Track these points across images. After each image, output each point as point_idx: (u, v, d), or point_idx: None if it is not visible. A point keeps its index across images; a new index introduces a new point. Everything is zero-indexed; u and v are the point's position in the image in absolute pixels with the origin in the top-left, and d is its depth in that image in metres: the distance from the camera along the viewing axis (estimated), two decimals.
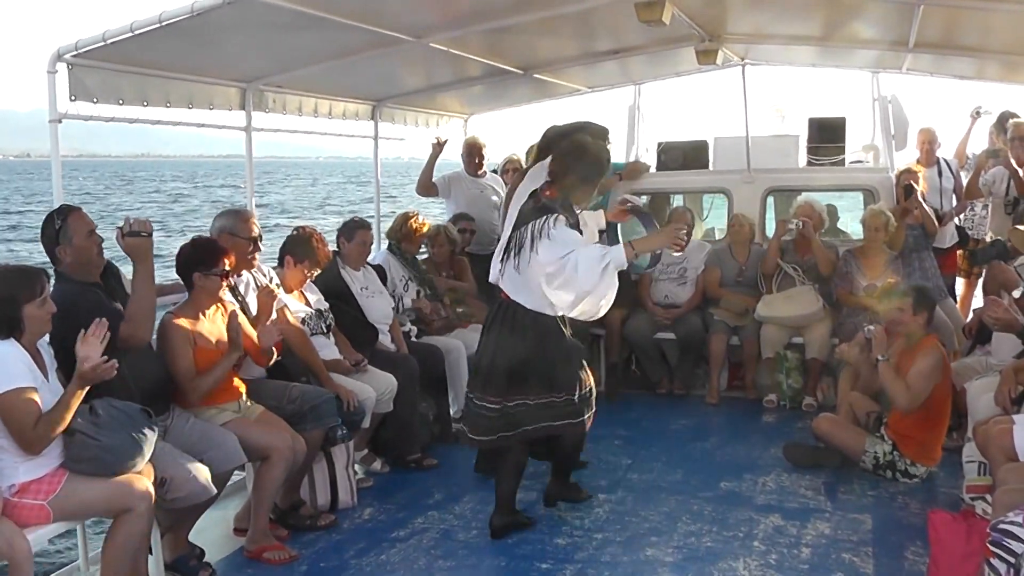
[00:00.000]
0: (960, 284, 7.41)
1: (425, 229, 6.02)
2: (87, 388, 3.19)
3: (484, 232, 6.79)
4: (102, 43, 4.03)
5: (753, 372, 6.62)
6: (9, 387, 3.04)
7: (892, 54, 6.54)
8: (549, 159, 4.12)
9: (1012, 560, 2.91)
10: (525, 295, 4.00)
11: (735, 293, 6.65)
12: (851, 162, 7.53)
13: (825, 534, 4.18)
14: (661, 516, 4.43)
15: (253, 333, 4.12)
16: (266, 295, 4.31)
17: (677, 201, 7.72)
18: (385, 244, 6.25)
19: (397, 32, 5.00)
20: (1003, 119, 6.97)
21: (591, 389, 4.25)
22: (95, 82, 4.28)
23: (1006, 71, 6.54)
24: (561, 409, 4.11)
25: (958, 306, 7.01)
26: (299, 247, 4.79)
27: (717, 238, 7.55)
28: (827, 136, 7.37)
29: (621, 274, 6.23)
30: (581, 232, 4.11)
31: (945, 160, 7.13)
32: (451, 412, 5.83)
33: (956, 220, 7.12)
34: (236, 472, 4.14)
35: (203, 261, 3.95)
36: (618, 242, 4.23)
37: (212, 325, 4.00)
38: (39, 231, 3.66)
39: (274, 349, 4.15)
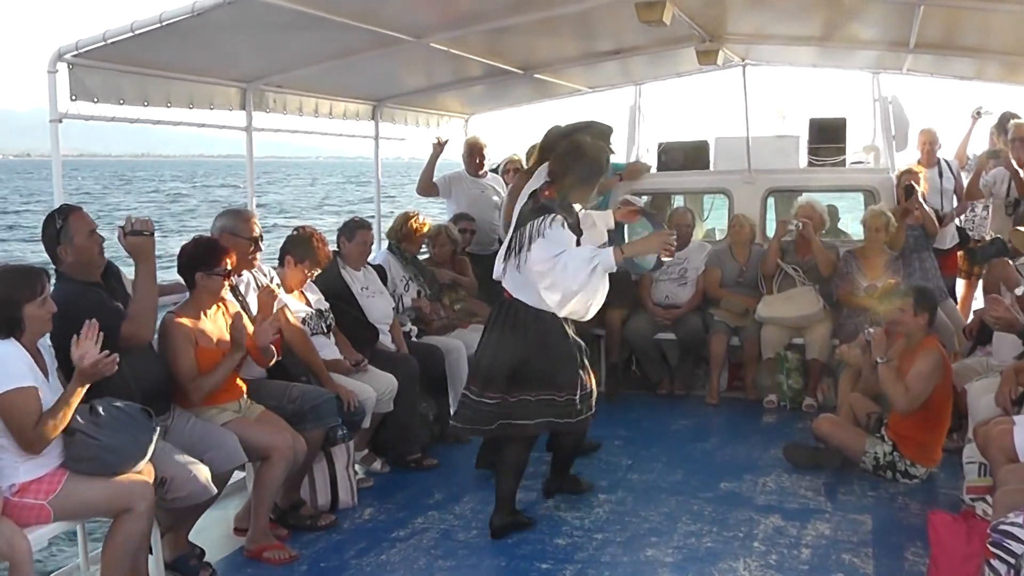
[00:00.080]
0: (960, 285, 7.40)
1: (425, 229, 6.02)
2: (87, 386, 3.19)
3: (484, 232, 6.80)
4: (103, 43, 4.03)
5: (753, 373, 6.61)
6: (10, 387, 3.04)
7: (893, 55, 6.54)
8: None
9: (1012, 561, 2.91)
10: (527, 293, 4.04)
11: (735, 294, 6.65)
12: (852, 163, 7.54)
13: (825, 535, 4.18)
14: (661, 516, 4.43)
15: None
16: (267, 295, 4.31)
17: (678, 201, 7.72)
18: (385, 244, 6.25)
19: (397, 32, 5.00)
20: (1004, 120, 6.97)
21: (592, 390, 4.26)
22: (96, 82, 4.28)
23: (1007, 72, 6.54)
24: (562, 408, 4.12)
25: (958, 307, 7.01)
26: (299, 247, 4.79)
27: (717, 239, 7.55)
28: (828, 137, 7.38)
29: (622, 274, 6.27)
30: (582, 231, 4.15)
31: (946, 161, 7.13)
32: (451, 412, 5.82)
33: (957, 221, 7.12)
34: (236, 472, 4.13)
35: (205, 261, 3.94)
36: (624, 242, 4.25)
37: (213, 325, 4.00)
38: (38, 231, 3.67)
39: (273, 348, 4.14)
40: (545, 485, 4.67)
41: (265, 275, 4.64)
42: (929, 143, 7.07)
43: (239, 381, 4.12)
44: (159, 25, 3.93)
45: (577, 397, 4.14)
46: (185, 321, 3.90)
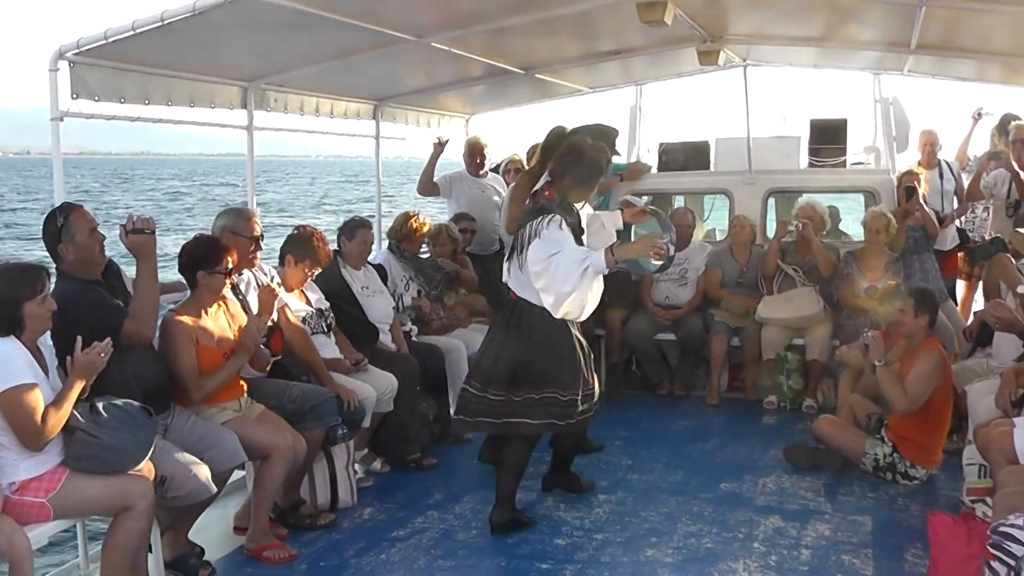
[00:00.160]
0: (961, 286, 7.40)
1: (425, 229, 6.02)
2: (84, 380, 3.20)
3: (485, 232, 6.80)
4: (104, 41, 4.03)
5: (753, 373, 6.62)
6: (10, 384, 3.04)
7: (894, 56, 6.55)
8: None
9: (1012, 563, 2.92)
10: (530, 292, 4.09)
11: (736, 294, 6.65)
12: (852, 164, 7.54)
13: (825, 536, 4.19)
14: (661, 517, 4.43)
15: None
16: (267, 294, 4.31)
17: (678, 202, 7.72)
18: (386, 244, 6.25)
19: (399, 32, 5.00)
20: (1005, 121, 6.96)
21: (595, 390, 4.29)
22: (97, 80, 4.28)
23: (1007, 73, 6.55)
24: (565, 409, 4.15)
25: (959, 308, 7.01)
26: (300, 246, 4.79)
27: (718, 239, 7.54)
28: (828, 137, 7.38)
29: (622, 275, 6.28)
30: (584, 230, 4.19)
31: (946, 162, 7.12)
32: (451, 412, 5.82)
33: (957, 222, 7.12)
34: (236, 471, 4.13)
35: (207, 259, 3.94)
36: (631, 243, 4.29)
37: (215, 323, 4.00)
38: (35, 229, 3.67)
39: (268, 353, 4.15)
40: (544, 481, 4.68)
41: (265, 274, 4.63)
42: (930, 144, 7.07)
43: (240, 380, 4.11)
44: (160, 24, 3.93)
45: (579, 397, 4.16)
46: (186, 320, 3.90)
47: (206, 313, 3.98)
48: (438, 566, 3.93)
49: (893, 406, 4.79)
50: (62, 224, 3.56)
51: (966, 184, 7.07)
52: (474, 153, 7.04)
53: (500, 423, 4.21)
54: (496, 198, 6.96)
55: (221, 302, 4.08)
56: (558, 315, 4.06)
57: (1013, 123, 6.63)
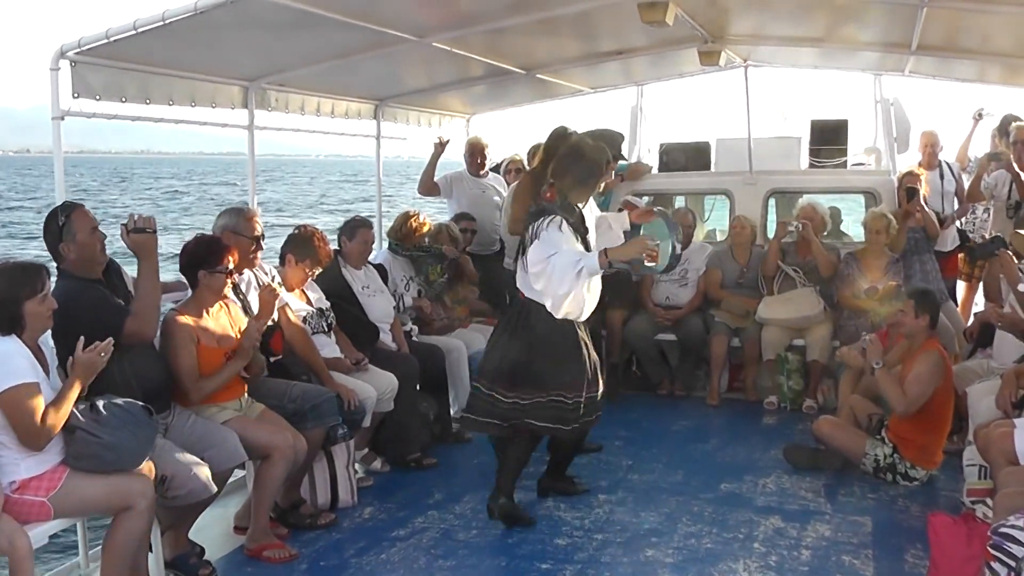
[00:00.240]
0: (961, 287, 7.41)
1: (425, 229, 6.01)
2: (84, 379, 3.20)
3: (486, 232, 6.79)
4: (105, 41, 4.02)
5: (754, 374, 6.62)
6: (12, 383, 3.04)
7: (894, 56, 6.55)
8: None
9: (1013, 564, 2.92)
10: (537, 293, 4.14)
11: (736, 295, 6.65)
12: (853, 164, 7.54)
13: (825, 536, 4.19)
14: (661, 517, 4.43)
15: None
16: (268, 293, 4.31)
17: (679, 202, 7.72)
18: (386, 244, 6.25)
19: (399, 31, 5.00)
20: (1006, 123, 6.97)
21: (600, 392, 4.33)
22: (98, 80, 4.28)
23: (1008, 74, 6.55)
24: (570, 412, 4.20)
25: (959, 309, 7.01)
26: (300, 246, 4.79)
27: (718, 240, 7.54)
28: (829, 138, 7.39)
29: (623, 275, 6.30)
30: (587, 229, 4.25)
31: (947, 163, 7.13)
32: (451, 412, 5.83)
33: (957, 223, 7.12)
34: (236, 470, 4.13)
35: (208, 259, 3.94)
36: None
37: (215, 323, 4.00)
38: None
39: (262, 357, 4.16)
40: (539, 484, 4.69)
41: (266, 274, 4.64)
42: (930, 145, 7.07)
43: (240, 380, 4.11)
44: (162, 23, 3.92)
45: (584, 399, 4.21)
46: (187, 319, 3.90)
47: (207, 313, 3.98)
48: (438, 566, 3.93)
49: (892, 407, 4.80)
50: (63, 223, 3.56)
51: (966, 185, 7.08)
52: (475, 153, 7.04)
53: (507, 426, 4.26)
54: (497, 198, 6.96)
55: (222, 302, 4.08)
56: (559, 315, 4.12)
57: (1014, 124, 6.63)
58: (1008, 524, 2.98)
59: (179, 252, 4.05)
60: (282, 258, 4.84)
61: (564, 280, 3.99)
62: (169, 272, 4.26)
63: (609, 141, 4.29)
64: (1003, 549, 2.94)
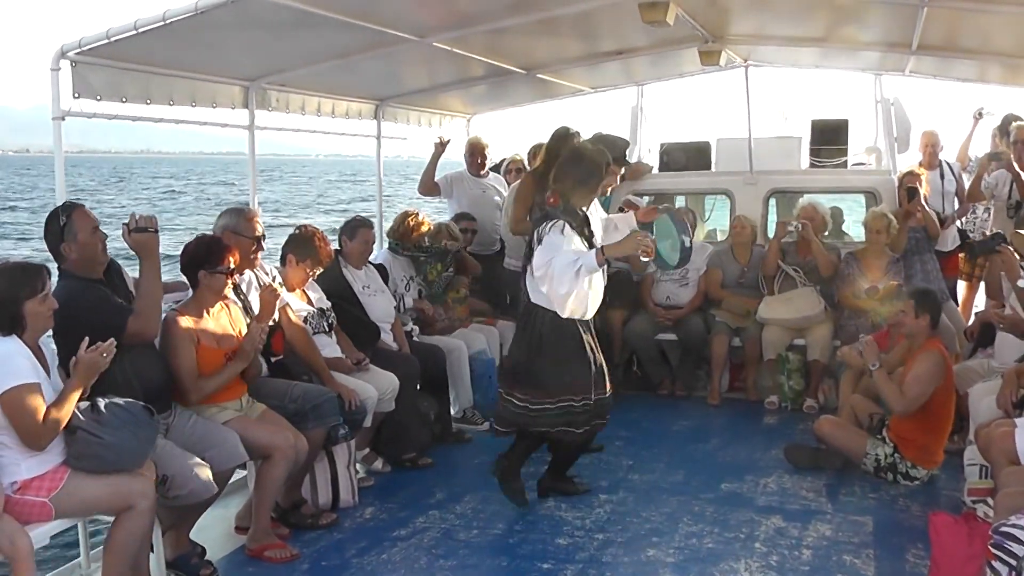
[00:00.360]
0: (962, 287, 7.41)
1: (423, 228, 6.00)
2: (86, 379, 3.19)
3: (486, 232, 6.79)
4: (106, 41, 4.03)
5: (754, 374, 6.62)
6: (13, 384, 3.04)
7: (895, 56, 6.55)
8: None
9: (1014, 563, 2.92)
10: (542, 297, 4.23)
11: (737, 295, 6.65)
12: (853, 164, 7.54)
13: (826, 536, 4.18)
14: (662, 517, 4.43)
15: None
16: (269, 294, 4.31)
17: (679, 202, 7.72)
18: (386, 244, 6.24)
19: (400, 31, 5.00)
20: (1006, 122, 6.97)
21: (608, 396, 4.40)
22: (98, 80, 4.28)
23: (1009, 74, 6.55)
24: (578, 415, 4.27)
25: (960, 309, 7.01)
26: (301, 246, 4.79)
27: (719, 239, 7.55)
28: (829, 138, 7.39)
29: (623, 275, 6.33)
30: (592, 233, 4.33)
31: (947, 163, 7.13)
32: (452, 412, 5.84)
33: (958, 223, 7.12)
34: (238, 470, 4.12)
35: (208, 259, 3.94)
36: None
37: (216, 323, 4.00)
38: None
39: (262, 360, 4.16)
40: (540, 484, 4.69)
41: (267, 274, 4.64)
42: (931, 145, 7.07)
43: (241, 380, 4.11)
44: (162, 23, 3.93)
45: (592, 401, 4.28)
46: (187, 320, 3.90)
47: (207, 313, 3.98)
48: (439, 566, 3.93)
49: (891, 407, 4.80)
50: (64, 223, 3.56)
51: (967, 185, 7.08)
52: (475, 153, 7.04)
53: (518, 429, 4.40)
54: (497, 198, 6.96)
55: (222, 302, 4.08)
56: (564, 315, 4.21)
57: (1014, 124, 6.63)
58: (1009, 523, 2.98)
59: (179, 252, 4.05)
60: (283, 258, 4.84)
61: (564, 280, 4.09)
62: (167, 272, 4.26)
63: (611, 146, 4.34)
64: (1004, 548, 2.94)
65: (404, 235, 5.94)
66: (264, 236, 4.52)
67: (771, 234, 6.92)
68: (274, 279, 4.61)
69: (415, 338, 5.66)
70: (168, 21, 3.91)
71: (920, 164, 6.98)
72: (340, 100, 6.35)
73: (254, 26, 4.38)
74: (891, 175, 6.99)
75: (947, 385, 4.77)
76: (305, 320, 4.70)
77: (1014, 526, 2.96)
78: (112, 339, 3.25)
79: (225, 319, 4.05)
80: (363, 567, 3.94)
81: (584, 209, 4.33)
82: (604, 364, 4.41)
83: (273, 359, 4.42)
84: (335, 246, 5.25)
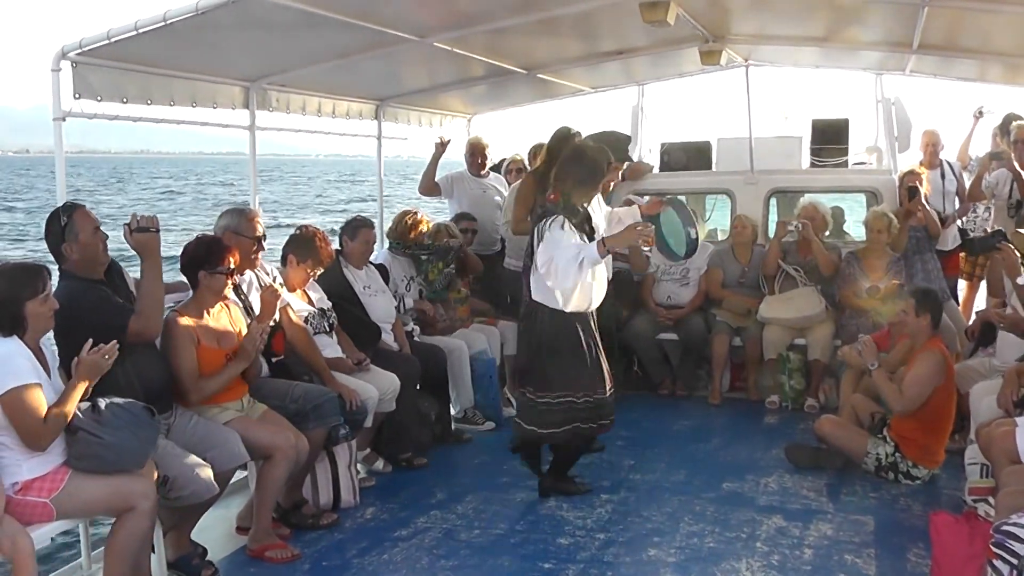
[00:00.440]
0: (963, 286, 7.41)
1: (422, 226, 5.99)
2: (88, 381, 3.20)
3: (486, 232, 6.78)
4: (106, 41, 4.03)
5: (755, 373, 6.62)
6: (14, 384, 3.05)
7: (896, 56, 6.54)
8: None
9: (1015, 562, 2.92)
10: (542, 295, 4.28)
11: (737, 294, 6.65)
12: (854, 164, 7.54)
13: (827, 535, 4.18)
14: (664, 516, 4.43)
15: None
16: (270, 294, 4.31)
17: None
18: (387, 244, 6.24)
19: (400, 32, 5.00)
20: (1007, 122, 6.96)
21: (609, 395, 4.42)
22: (99, 80, 4.28)
23: (1009, 73, 6.54)
24: (580, 413, 4.31)
25: (960, 308, 7.01)
26: (302, 246, 4.79)
27: (720, 239, 7.54)
28: (830, 138, 7.39)
29: (624, 275, 6.34)
30: (594, 229, 4.36)
31: (948, 162, 7.12)
32: (452, 412, 5.84)
33: (958, 222, 7.12)
34: (239, 471, 4.12)
35: (208, 259, 3.94)
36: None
37: (216, 323, 4.00)
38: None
39: (263, 361, 4.16)
40: (541, 484, 4.69)
41: (268, 274, 4.64)
42: (932, 144, 7.07)
43: (242, 380, 4.11)
44: (163, 24, 3.93)
45: (594, 401, 4.32)
46: (187, 320, 3.90)
47: (208, 313, 3.98)
48: (440, 566, 3.93)
49: (891, 406, 4.80)
50: (65, 224, 3.56)
51: (967, 184, 7.07)
52: (475, 153, 7.03)
53: (528, 429, 4.45)
54: (497, 198, 6.95)
55: (223, 302, 4.08)
56: (569, 309, 4.25)
57: (1015, 123, 6.63)
58: (1010, 522, 2.99)
59: (180, 252, 4.05)
60: (284, 258, 4.84)
61: (568, 273, 4.14)
62: (166, 273, 4.26)
63: (614, 143, 4.36)
64: (1005, 547, 2.94)
65: (403, 234, 5.95)
66: (265, 236, 4.52)
67: (772, 234, 6.92)
68: (275, 279, 4.61)
69: (416, 338, 5.66)
70: (169, 21, 3.91)
71: (921, 163, 6.98)
72: (340, 100, 6.35)
73: (254, 26, 4.38)
74: (892, 174, 6.98)
75: (948, 384, 4.77)
76: (306, 320, 4.70)
77: (1015, 525, 2.96)
78: (115, 341, 3.25)
79: (225, 319, 4.05)
80: (364, 567, 3.94)
81: (584, 206, 4.36)
82: (604, 363, 4.40)
83: (274, 359, 4.42)
84: (336, 246, 5.25)
